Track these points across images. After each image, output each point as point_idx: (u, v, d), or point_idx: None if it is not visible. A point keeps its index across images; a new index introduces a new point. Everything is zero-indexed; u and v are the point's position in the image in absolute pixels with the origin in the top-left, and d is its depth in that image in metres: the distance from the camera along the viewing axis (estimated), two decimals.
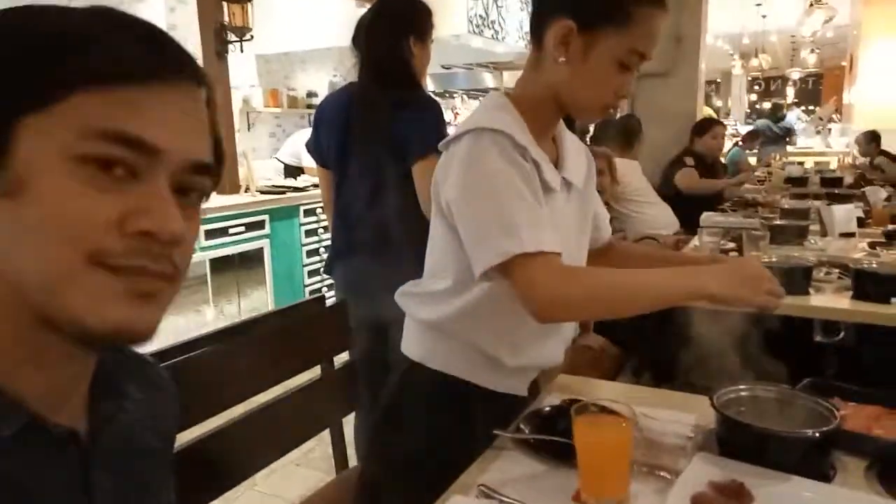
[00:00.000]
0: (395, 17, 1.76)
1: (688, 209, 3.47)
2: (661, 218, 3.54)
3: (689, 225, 3.21)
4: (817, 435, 0.86)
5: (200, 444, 1.07)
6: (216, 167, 0.52)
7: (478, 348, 1.02)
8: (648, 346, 2.22)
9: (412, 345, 1.09)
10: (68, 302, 0.45)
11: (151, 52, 0.47)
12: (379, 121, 1.73)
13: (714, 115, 5.95)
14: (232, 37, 3.65)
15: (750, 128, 9.13)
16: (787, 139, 9.13)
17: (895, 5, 6.84)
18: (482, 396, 1.04)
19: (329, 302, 1.47)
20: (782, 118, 9.29)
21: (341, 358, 1.46)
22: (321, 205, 3.25)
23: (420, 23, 1.78)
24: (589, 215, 1.12)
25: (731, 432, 0.92)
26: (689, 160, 3.92)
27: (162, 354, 0.98)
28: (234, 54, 3.78)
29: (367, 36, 1.75)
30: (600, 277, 0.91)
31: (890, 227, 2.75)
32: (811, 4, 6.37)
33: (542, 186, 0.95)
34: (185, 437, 1.03)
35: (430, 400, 1.05)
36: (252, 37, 3.71)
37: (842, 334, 1.78)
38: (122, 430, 0.57)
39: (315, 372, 1.38)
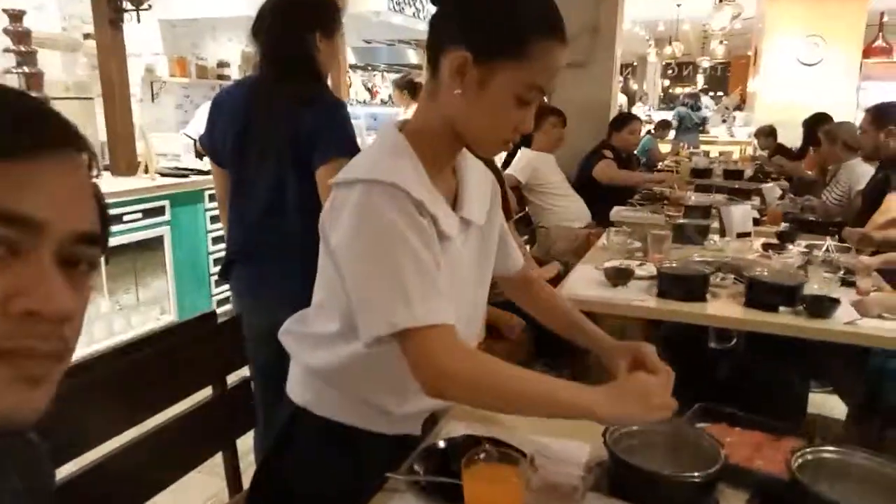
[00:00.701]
0: (299, 11, 1.63)
1: (601, 202, 3.56)
2: (573, 210, 3.61)
3: (603, 217, 3.30)
4: (703, 477, 0.88)
5: (89, 473, 1.02)
6: (102, 233, 0.51)
7: (365, 400, 0.98)
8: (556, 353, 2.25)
9: (298, 388, 1.03)
10: None
11: (22, 126, 0.45)
12: (281, 119, 1.62)
13: (629, 102, 6.09)
14: (128, 5, 3.36)
15: (662, 116, 9.46)
16: (702, 128, 9.55)
17: (796, 4, 7.21)
18: (374, 439, 1.00)
19: (227, 311, 1.40)
20: (700, 108, 9.66)
21: (237, 374, 1.39)
22: None
23: (326, 17, 1.67)
24: (491, 249, 1.08)
25: (620, 472, 0.93)
26: (608, 153, 4.00)
27: None
28: (133, 20, 3.49)
29: (270, 29, 1.62)
30: (493, 365, 0.84)
31: (783, 225, 2.91)
32: (720, 0, 6.62)
33: (438, 236, 0.90)
34: (68, 470, 0.98)
35: (320, 444, 1.01)
36: (150, 6, 3.43)
37: (734, 341, 1.86)
38: None
39: (207, 392, 1.31)
